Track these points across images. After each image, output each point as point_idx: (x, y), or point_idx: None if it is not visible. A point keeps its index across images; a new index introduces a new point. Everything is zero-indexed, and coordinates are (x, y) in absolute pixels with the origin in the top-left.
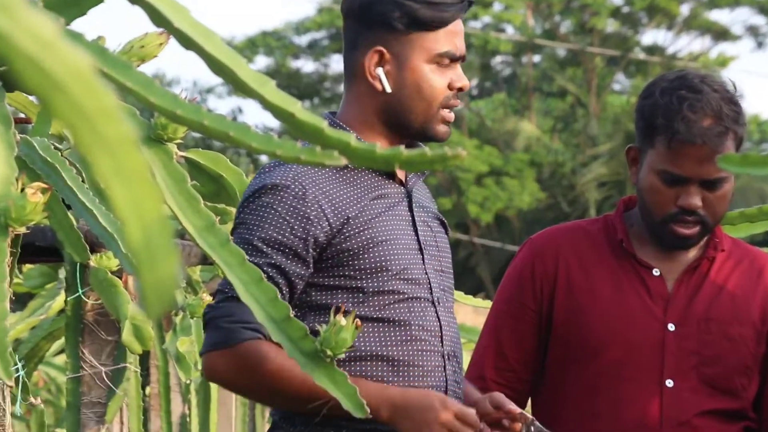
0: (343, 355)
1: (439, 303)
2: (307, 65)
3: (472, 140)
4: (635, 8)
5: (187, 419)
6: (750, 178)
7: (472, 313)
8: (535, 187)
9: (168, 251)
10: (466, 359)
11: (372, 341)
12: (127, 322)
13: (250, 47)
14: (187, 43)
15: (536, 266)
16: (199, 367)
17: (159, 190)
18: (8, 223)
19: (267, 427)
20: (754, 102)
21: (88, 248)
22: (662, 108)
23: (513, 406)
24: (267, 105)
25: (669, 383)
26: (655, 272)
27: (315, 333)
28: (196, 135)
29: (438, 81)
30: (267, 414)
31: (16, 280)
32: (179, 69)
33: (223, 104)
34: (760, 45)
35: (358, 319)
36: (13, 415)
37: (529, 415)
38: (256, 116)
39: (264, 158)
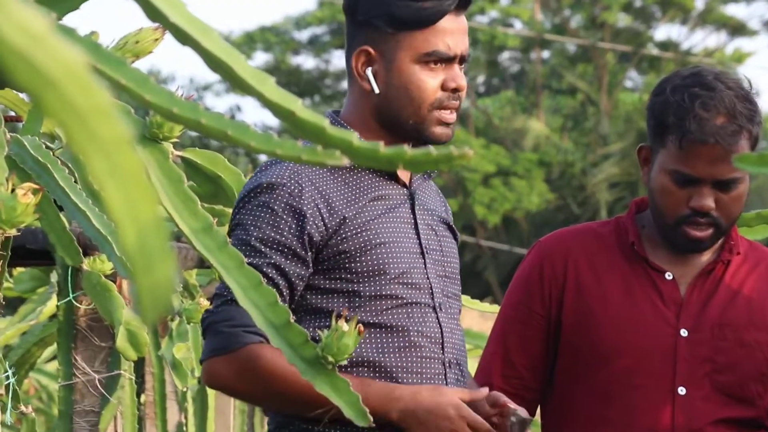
0: (345, 362)
1: (441, 309)
2: (307, 61)
3: (479, 139)
4: (648, 2)
5: (184, 428)
6: (767, 178)
7: (478, 318)
8: (544, 187)
9: (164, 254)
10: (473, 365)
11: (369, 347)
12: (121, 328)
13: (248, 43)
14: (183, 38)
15: (545, 270)
16: (197, 374)
17: (154, 191)
18: None
19: None
20: None
21: (80, 251)
22: (674, 106)
23: (504, 400)
24: (266, 103)
25: (681, 391)
26: (668, 276)
27: (315, 339)
28: (193, 134)
29: (427, 81)
30: (266, 423)
31: (6, 284)
32: (175, 65)
33: (220, 102)
34: None
35: (360, 325)
36: (3, 424)
37: (512, 406)
38: (254, 114)
39: (263, 158)
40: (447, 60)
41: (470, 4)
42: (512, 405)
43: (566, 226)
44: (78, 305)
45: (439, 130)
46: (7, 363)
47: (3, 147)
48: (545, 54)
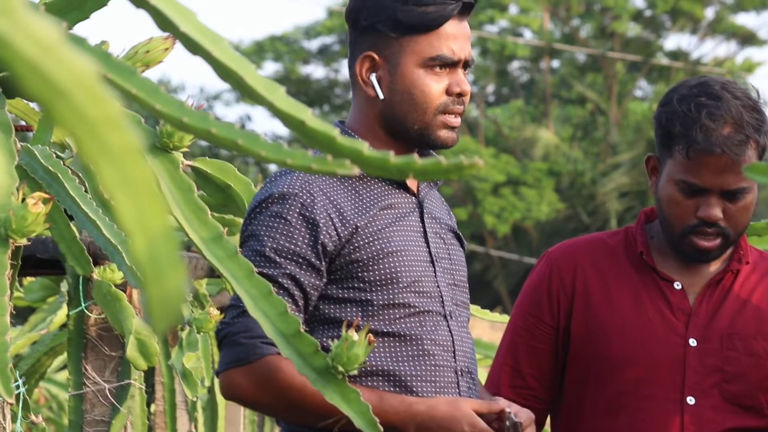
0: (356, 372)
1: (451, 317)
2: (317, 71)
3: (489, 149)
4: (658, 11)
5: None
6: None
7: (489, 328)
8: (553, 197)
9: (174, 264)
10: (483, 375)
11: (382, 356)
12: (131, 337)
13: (258, 52)
14: (193, 47)
15: (553, 280)
16: (206, 383)
17: (164, 201)
18: (9, 234)
19: None
20: None
21: (91, 260)
22: (680, 116)
23: (500, 406)
24: (276, 112)
25: (690, 400)
26: (677, 286)
27: (326, 349)
28: (203, 143)
29: (432, 86)
30: None
31: (16, 294)
32: (185, 75)
33: (230, 111)
34: None
35: (371, 335)
36: None
37: (508, 409)
38: (265, 124)
39: (273, 167)
40: (451, 64)
41: (472, 10)
42: (508, 408)
43: (576, 236)
44: (88, 314)
45: (444, 133)
46: (18, 372)
47: (13, 156)
48: (555, 63)
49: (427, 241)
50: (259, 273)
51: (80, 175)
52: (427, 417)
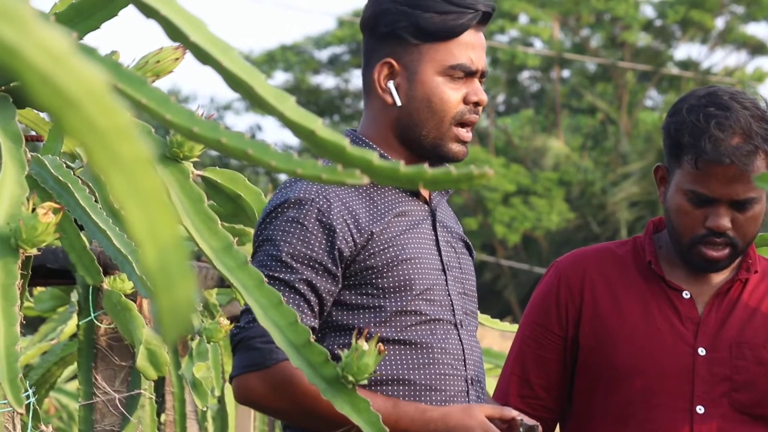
0: (365, 381)
1: (461, 326)
2: (327, 81)
3: (499, 158)
4: (668, 21)
5: None
6: None
7: (499, 337)
8: (563, 206)
9: (184, 273)
10: (492, 385)
11: (393, 364)
12: (141, 347)
13: (268, 62)
14: (203, 57)
15: (561, 290)
16: (216, 393)
17: (175, 211)
18: (19, 244)
19: None
20: None
21: (101, 270)
22: (689, 126)
23: (512, 414)
24: (286, 122)
25: (699, 410)
26: (685, 295)
27: (336, 358)
28: (214, 153)
29: (450, 94)
30: None
31: (26, 304)
32: (195, 84)
33: (241, 121)
34: None
35: (381, 344)
36: None
37: (519, 418)
38: (275, 134)
39: (283, 177)
40: (470, 74)
41: (490, 20)
42: (519, 417)
43: (586, 246)
44: (98, 324)
45: (456, 147)
46: (28, 382)
47: (24, 166)
48: (565, 73)
49: (439, 250)
50: (276, 278)
51: (90, 184)
52: (442, 424)
